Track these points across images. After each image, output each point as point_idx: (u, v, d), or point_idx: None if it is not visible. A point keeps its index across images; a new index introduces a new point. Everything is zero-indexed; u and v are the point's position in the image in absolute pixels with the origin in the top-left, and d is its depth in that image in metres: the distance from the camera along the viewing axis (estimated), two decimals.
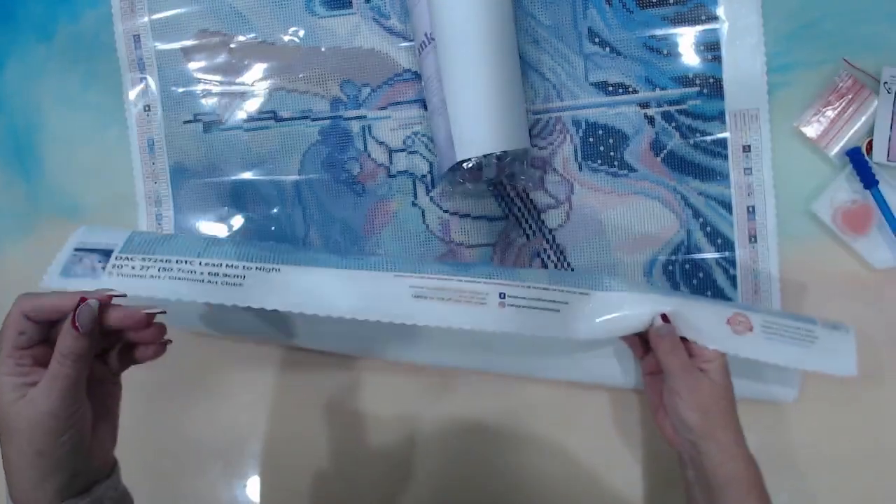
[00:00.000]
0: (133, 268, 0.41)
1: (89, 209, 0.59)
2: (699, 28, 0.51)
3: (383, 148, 0.55)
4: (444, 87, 0.47)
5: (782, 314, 0.45)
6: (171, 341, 0.42)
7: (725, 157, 0.52)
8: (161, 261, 0.41)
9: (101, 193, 0.59)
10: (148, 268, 0.41)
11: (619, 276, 0.46)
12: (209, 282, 0.41)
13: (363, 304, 0.41)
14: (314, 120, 0.56)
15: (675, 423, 0.43)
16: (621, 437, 0.54)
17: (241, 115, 0.56)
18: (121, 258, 0.41)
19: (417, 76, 0.54)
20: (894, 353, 0.51)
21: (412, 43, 0.54)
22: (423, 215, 0.55)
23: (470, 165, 0.48)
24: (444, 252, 0.55)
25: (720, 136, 0.52)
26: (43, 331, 0.39)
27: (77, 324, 0.37)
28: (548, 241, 0.54)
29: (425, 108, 0.54)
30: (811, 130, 0.51)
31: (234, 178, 0.57)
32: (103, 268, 0.41)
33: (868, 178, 0.49)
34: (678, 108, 0.52)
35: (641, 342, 0.47)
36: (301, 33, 0.55)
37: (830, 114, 0.50)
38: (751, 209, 0.52)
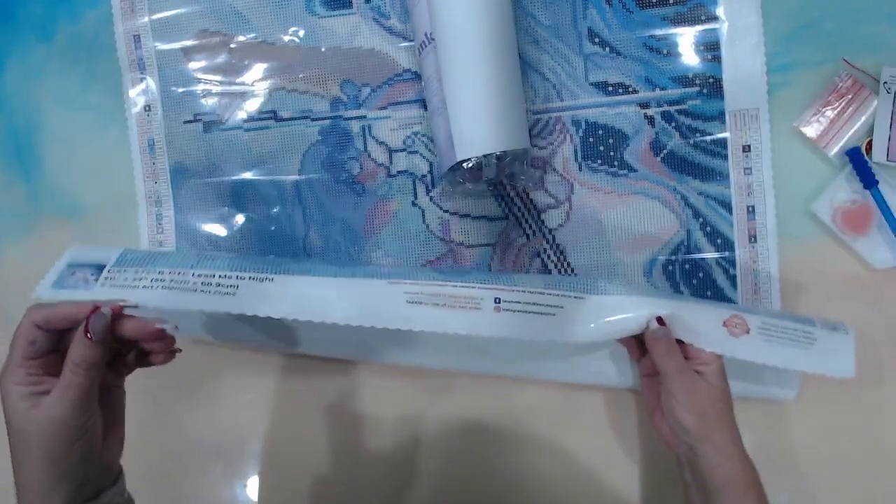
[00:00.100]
0: (126, 279, 0.41)
1: (89, 209, 0.59)
2: (699, 28, 0.51)
3: (383, 148, 0.55)
4: (444, 87, 0.47)
5: (781, 315, 0.45)
6: (180, 350, 0.42)
7: (725, 157, 0.52)
8: (154, 272, 0.42)
9: (102, 193, 0.59)
10: (140, 279, 0.41)
11: (616, 280, 0.46)
12: (202, 291, 0.41)
13: (357, 311, 0.41)
14: (314, 120, 0.56)
15: (671, 426, 0.43)
16: (620, 437, 0.54)
17: (241, 115, 0.56)
18: (113, 270, 0.42)
19: (417, 76, 0.54)
20: (894, 353, 0.51)
21: (412, 43, 0.54)
22: (423, 215, 0.55)
23: (470, 165, 0.48)
24: (444, 252, 0.55)
25: (720, 135, 0.52)
26: (53, 340, 0.39)
27: (90, 332, 0.37)
28: (548, 241, 0.54)
29: (425, 108, 0.54)
30: (811, 130, 0.51)
31: (234, 177, 0.57)
32: (96, 280, 0.41)
33: (868, 178, 0.49)
34: (678, 108, 0.52)
35: (638, 344, 0.47)
36: (301, 33, 0.55)
37: (830, 114, 0.50)
38: (751, 209, 0.52)
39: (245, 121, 0.56)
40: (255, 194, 0.56)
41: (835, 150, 0.50)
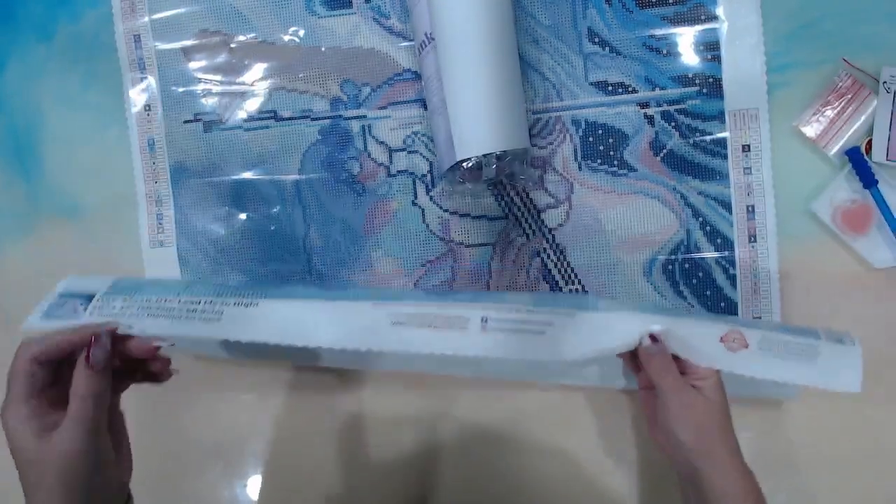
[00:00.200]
0: (114, 307, 0.42)
1: (89, 209, 0.59)
2: (699, 28, 0.51)
3: (383, 147, 0.55)
4: (444, 86, 0.48)
5: (783, 328, 0.43)
6: (177, 371, 0.43)
7: (725, 157, 0.52)
8: (140, 301, 0.42)
9: (102, 193, 0.59)
10: (128, 307, 0.41)
11: (606, 297, 0.45)
12: (187, 317, 0.41)
13: (342, 334, 0.41)
14: (314, 119, 0.56)
15: (669, 440, 0.42)
16: (620, 438, 0.54)
17: (241, 114, 0.56)
18: (102, 300, 0.42)
19: (417, 76, 0.54)
20: (894, 352, 0.51)
21: (412, 43, 0.54)
22: (423, 215, 0.55)
23: (470, 165, 0.48)
24: (444, 251, 0.55)
25: (720, 135, 0.52)
26: (52, 372, 0.39)
27: (92, 362, 0.37)
28: (547, 241, 0.54)
29: (425, 107, 0.54)
30: (811, 130, 0.51)
31: (234, 177, 0.57)
32: (84, 309, 0.42)
33: (867, 178, 0.49)
34: (678, 107, 0.52)
35: (634, 357, 0.45)
36: (301, 33, 0.55)
37: (830, 113, 0.50)
38: (750, 209, 0.52)
39: (245, 120, 0.56)
40: (256, 194, 0.56)
41: (834, 149, 0.50)
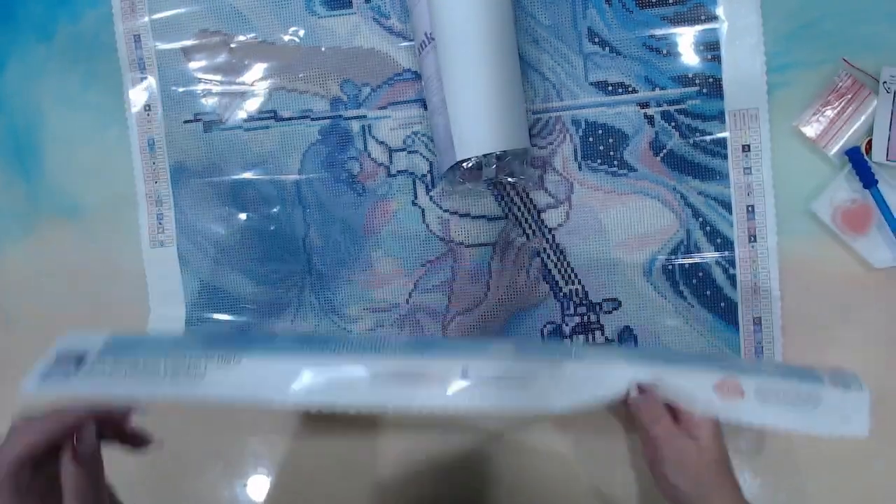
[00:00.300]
0: (103, 371, 0.41)
1: (89, 209, 0.59)
2: (698, 28, 0.51)
3: (383, 147, 0.55)
4: (444, 86, 0.48)
5: (782, 370, 0.42)
6: (160, 443, 0.43)
7: (725, 157, 0.52)
8: (129, 362, 0.42)
9: (102, 193, 0.59)
10: (114, 372, 0.41)
11: (592, 345, 0.44)
12: (171, 379, 0.41)
13: (321, 393, 0.41)
14: (314, 119, 0.56)
15: (666, 483, 0.41)
16: (621, 439, 0.54)
17: (241, 114, 0.56)
18: (92, 363, 0.42)
19: (417, 76, 0.54)
20: (894, 352, 0.51)
21: (412, 43, 0.54)
22: (423, 215, 0.55)
23: (470, 165, 0.48)
24: (444, 252, 0.55)
25: (720, 135, 0.52)
26: (38, 464, 0.38)
27: (79, 456, 0.37)
28: (547, 241, 0.54)
29: (425, 107, 0.54)
30: (810, 130, 0.51)
31: (234, 177, 0.57)
32: (76, 372, 0.42)
33: (867, 178, 0.49)
34: (678, 107, 0.52)
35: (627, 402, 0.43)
36: (301, 33, 0.55)
37: (830, 113, 0.50)
38: (750, 209, 0.52)
39: (245, 120, 0.56)
40: (256, 194, 0.56)
41: (834, 149, 0.50)
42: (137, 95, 0.57)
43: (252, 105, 0.56)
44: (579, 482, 0.54)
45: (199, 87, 0.57)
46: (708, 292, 0.53)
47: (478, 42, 0.47)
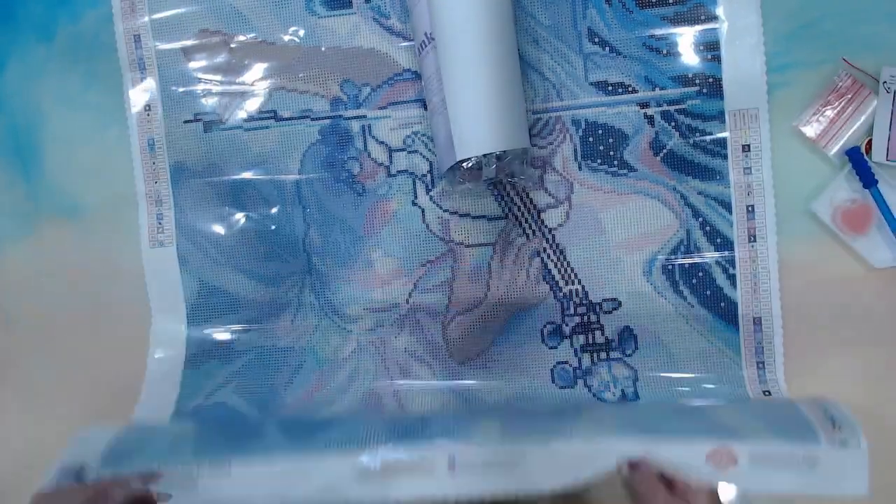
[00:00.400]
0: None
1: (89, 209, 0.59)
2: (698, 28, 0.51)
3: (383, 147, 0.55)
4: (444, 86, 0.48)
5: (777, 430, 0.41)
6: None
7: (725, 157, 0.52)
8: (127, 472, 0.43)
9: (102, 193, 0.59)
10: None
11: (582, 416, 0.44)
12: (167, 485, 0.42)
13: (313, 493, 0.42)
14: (314, 119, 0.56)
15: None
16: None
17: (241, 114, 0.56)
18: (92, 478, 0.43)
19: (417, 76, 0.54)
20: (894, 352, 0.51)
21: (412, 43, 0.54)
22: (423, 215, 0.55)
23: (470, 165, 0.48)
24: (444, 252, 0.55)
25: (720, 135, 0.52)
26: None
27: None
28: (547, 241, 0.54)
29: (425, 107, 0.54)
30: (810, 130, 0.51)
31: (234, 177, 0.57)
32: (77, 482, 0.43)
33: (867, 178, 0.49)
34: (678, 107, 0.52)
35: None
36: (301, 33, 0.55)
37: (830, 113, 0.50)
38: (750, 209, 0.52)
39: (245, 120, 0.56)
40: (256, 194, 0.56)
41: (834, 149, 0.50)
42: (137, 95, 0.57)
43: (252, 105, 0.56)
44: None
45: (199, 87, 0.57)
46: (708, 292, 0.53)
47: (478, 42, 0.47)
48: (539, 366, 0.54)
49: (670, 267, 0.53)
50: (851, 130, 0.50)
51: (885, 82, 0.49)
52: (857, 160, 0.49)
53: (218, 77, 0.56)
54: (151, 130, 0.57)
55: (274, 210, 0.56)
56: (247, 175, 0.57)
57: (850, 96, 0.50)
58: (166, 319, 0.57)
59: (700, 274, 0.53)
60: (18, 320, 0.60)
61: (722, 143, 0.52)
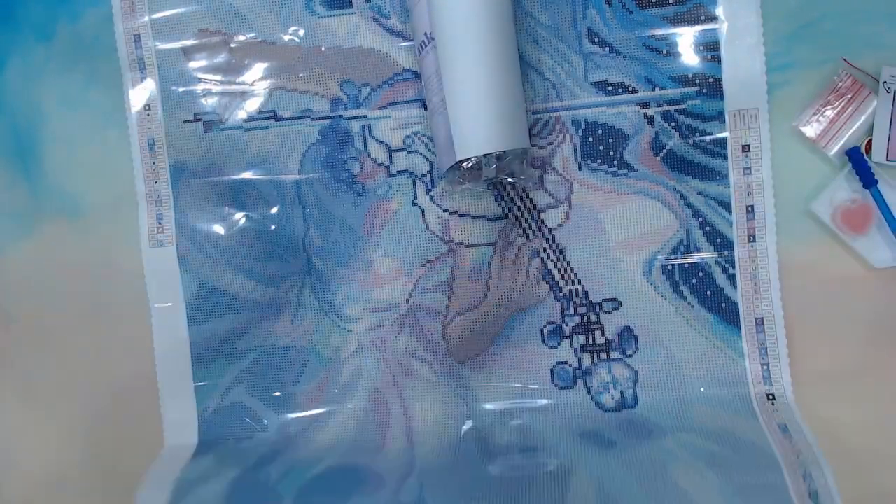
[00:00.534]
0: None
1: (90, 209, 0.59)
2: (698, 28, 0.51)
3: (383, 147, 0.55)
4: (443, 86, 0.48)
5: None
6: None
7: (725, 157, 0.52)
8: None
9: (102, 193, 0.59)
10: None
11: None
12: None
13: None
14: (314, 119, 0.56)
15: None
16: None
17: (241, 114, 0.56)
18: None
19: (417, 76, 0.54)
20: (894, 352, 0.51)
21: (412, 43, 0.54)
22: (423, 214, 0.55)
23: (470, 165, 0.48)
24: (444, 252, 0.55)
25: (719, 135, 0.52)
26: None
27: None
28: (547, 241, 0.54)
29: (425, 107, 0.54)
30: (810, 130, 0.51)
31: (234, 177, 0.57)
32: None
33: (867, 178, 0.49)
34: (677, 107, 0.52)
35: None
36: (301, 33, 0.55)
37: (830, 113, 0.50)
38: (750, 209, 0.52)
39: (245, 120, 0.56)
40: (255, 194, 0.56)
41: (834, 149, 0.50)
42: (137, 95, 0.57)
43: (252, 105, 0.56)
44: None
45: (199, 87, 0.57)
46: (708, 292, 0.53)
47: (478, 42, 0.47)
48: (539, 366, 0.54)
49: (670, 267, 0.53)
50: (851, 130, 0.50)
51: (885, 82, 0.49)
52: (857, 160, 0.49)
53: (218, 77, 0.56)
54: (151, 130, 0.57)
55: (274, 210, 0.56)
56: (247, 175, 0.57)
57: (850, 96, 0.50)
58: (166, 319, 0.57)
59: (700, 274, 0.53)
60: (18, 320, 0.60)
61: (722, 143, 0.52)
